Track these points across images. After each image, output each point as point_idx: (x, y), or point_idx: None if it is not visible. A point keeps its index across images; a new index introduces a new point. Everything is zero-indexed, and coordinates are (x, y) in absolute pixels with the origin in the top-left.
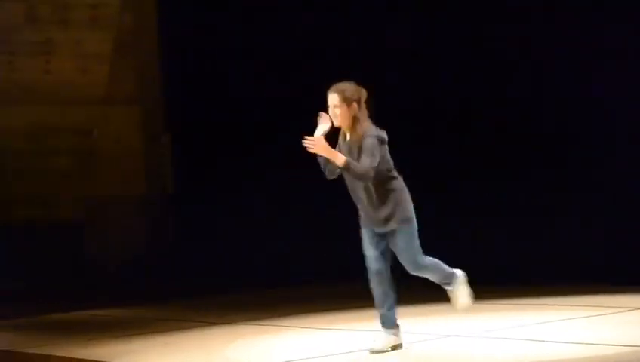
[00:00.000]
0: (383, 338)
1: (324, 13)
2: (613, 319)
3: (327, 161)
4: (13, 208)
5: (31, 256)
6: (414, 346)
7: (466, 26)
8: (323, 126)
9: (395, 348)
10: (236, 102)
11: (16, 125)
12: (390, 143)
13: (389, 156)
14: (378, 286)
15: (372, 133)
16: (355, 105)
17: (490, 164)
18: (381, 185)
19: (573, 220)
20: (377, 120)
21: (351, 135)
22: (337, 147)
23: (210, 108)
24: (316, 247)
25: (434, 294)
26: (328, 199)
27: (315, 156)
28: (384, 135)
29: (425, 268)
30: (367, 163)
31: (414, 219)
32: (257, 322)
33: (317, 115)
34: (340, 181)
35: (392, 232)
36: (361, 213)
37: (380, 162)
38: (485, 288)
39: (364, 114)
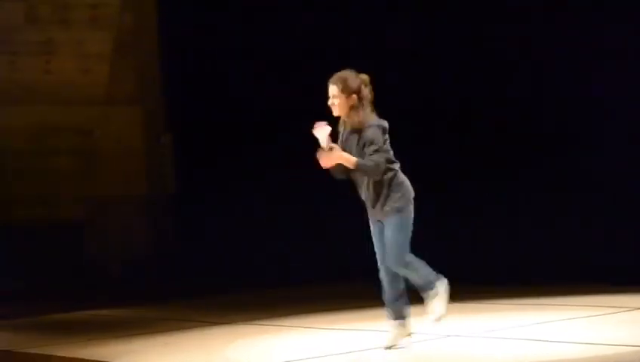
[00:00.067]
0: (390, 332)
1: (324, 13)
2: (613, 319)
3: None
4: (14, 208)
5: (31, 256)
6: (414, 346)
7: (466, 26)
8: (323, 132)
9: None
10: (236, 102)
11: (17, 125)
12: (390, 143)
13: (388, 146)
14: (384, 276)
15: (373, 122)
16: (354, 96)
17: (490, 164)
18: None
19: (573, 220)
20: None
21: (351, 124)
22: (339, 137)
23: (210, 108)
24: (316, 247)
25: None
26: (328, 199)
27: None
28: (385, 124)
29: (408, 265)
30: (375, 157)
31: (408, 213)
32: (257, 322)
33: (312, 127)
34: (339, 181)
35: (385, 221)
36: (365, 204)
37: None
38: (485, 288)
39: (365, 102)
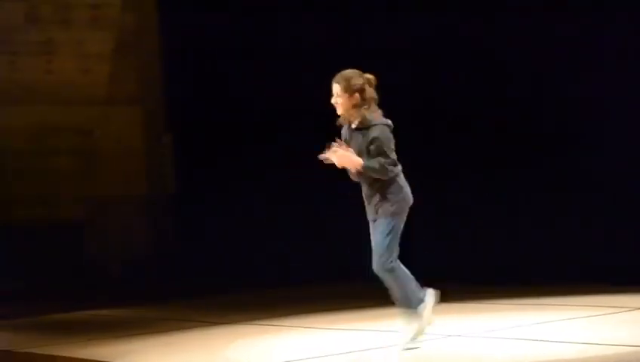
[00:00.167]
0: (403, 331)
1: (324, 13)
2: (613, 319)
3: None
4: (14, 208)
5: (31, 256)
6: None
7: (466, 26)
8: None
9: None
10: (236, 102)
11: (17, 125)
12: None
13: (393, 146)
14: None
15: (380, 121)
16: (357, 95)
17: (490, 164)
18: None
19: (573, 220)
20: None
21: (354, 124)
22: (342, 136)
23: (211, 108)
24: (316, 247)
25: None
26: (328, 199)
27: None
28: (391, 123)
29: (390, 272)
30: (381, 158)
31: (399, 220)
32: (258, 322)
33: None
34: (340, 181)
35: (375, 222)
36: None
37: None
38: (485, 288)
39: (369, 101)
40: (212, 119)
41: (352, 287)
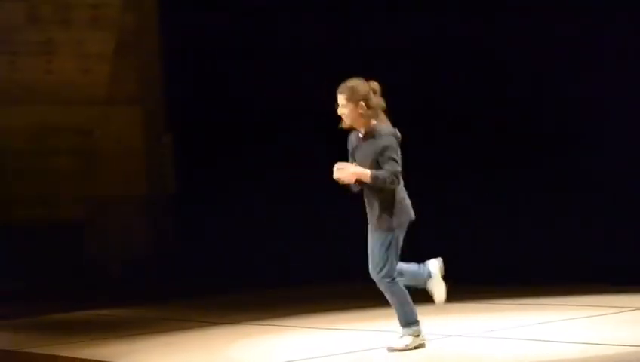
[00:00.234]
0: (400, 337)
1: (324, 13)
2: (614, 319)
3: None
4: (14, 208)
5: (31, 256)
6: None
7: (466, 26)
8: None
9: (417, 347)
10: (237, 102)
11: (18, 125)
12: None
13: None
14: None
15: (388, 130)
16: (362, 103)
17: (490, 164)
18: (379, 188)
19: (573, 220)
20: None
21: (363, 133)
22: (349, 145)
23: (211, 108)
24: (316, 247)
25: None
26: (328, 199)
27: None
28: (398, 133)
29: (388, 284)
30: (390, 166)
31: (398, 232)
32: (259, 322)
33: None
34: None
35: (376, 235)
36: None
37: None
38: (485, 288)
39: (376, 110)
40: (212, 119)
41: (352, 287)
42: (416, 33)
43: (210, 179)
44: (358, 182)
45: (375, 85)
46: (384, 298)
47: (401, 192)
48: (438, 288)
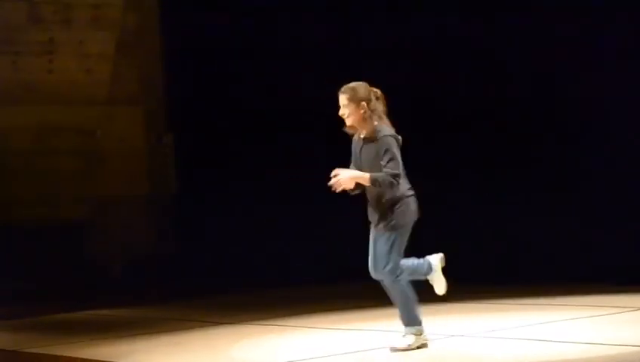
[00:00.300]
0: (403, 336)
1: (324, 13)
2: (616, 319)
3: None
4: (17, 208)
5: (33, 256)
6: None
7: (466, 26)
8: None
9: (419, 347)
10: (237, 102)
11: (20, 125)
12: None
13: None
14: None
15: (387, 133)
16: (364, 104)
17: (490, 164)
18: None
19: (573, 220)
20: None
21: (364, 135)
22: (352, 147)
23: (212, 109)
24: (316, 247)
25: (437, 294)
26: (328, 199)
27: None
28: (399, 138)
29: (394, 280)
30: (388, 170)
31: (402, 231)
32: (261, 322)
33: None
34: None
35: (379, 234)
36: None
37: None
38: (486, 288)
39: (377, 113)
40: (214, 119)
41: (352, 287)
42: (416, 33)
43: (211, 179)
44: (358, 185)
45: (378, 91)
46: (385, 298)
47: (406, 192)
48: (438, 282)
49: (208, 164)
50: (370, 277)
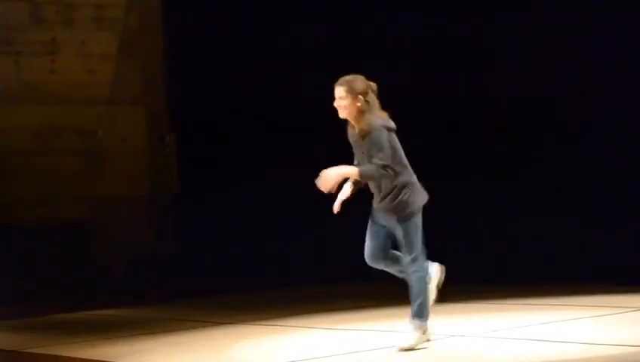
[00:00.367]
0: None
1: (324, 14)
2: (617, 319)
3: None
4: (18, 208)
5: (33, 256)
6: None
7: (466, 26)
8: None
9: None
10: (238, 102)
11: (21, 125)
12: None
13: (397, 147)
14: (380, 266)
15: (378, 124)
16: (361, 97)
17: (490, 164)
18: (388, 177)
19: (573, 220)
20: None
21: (358, 127)
22: (352, 141)
23: (215, 109)
24: (316, 247)
25: (439, 294)
26: (328, 199)
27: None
28: (391, 124)
29: (416, 266)
30: (377, 161)
31: (417, 215)
32: (262, 322)
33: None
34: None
35: (393, 225)
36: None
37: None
38: (486, 288)
39: (373, 106)
40: (216, 119)
41: (352, 287)
42: (416, 33)
43: (211, 179)
44: (357, 183)
45: (374, 85)
46: (384, 298)
47: (410, 177)
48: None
49: (208, 164)
50: (371, 277)
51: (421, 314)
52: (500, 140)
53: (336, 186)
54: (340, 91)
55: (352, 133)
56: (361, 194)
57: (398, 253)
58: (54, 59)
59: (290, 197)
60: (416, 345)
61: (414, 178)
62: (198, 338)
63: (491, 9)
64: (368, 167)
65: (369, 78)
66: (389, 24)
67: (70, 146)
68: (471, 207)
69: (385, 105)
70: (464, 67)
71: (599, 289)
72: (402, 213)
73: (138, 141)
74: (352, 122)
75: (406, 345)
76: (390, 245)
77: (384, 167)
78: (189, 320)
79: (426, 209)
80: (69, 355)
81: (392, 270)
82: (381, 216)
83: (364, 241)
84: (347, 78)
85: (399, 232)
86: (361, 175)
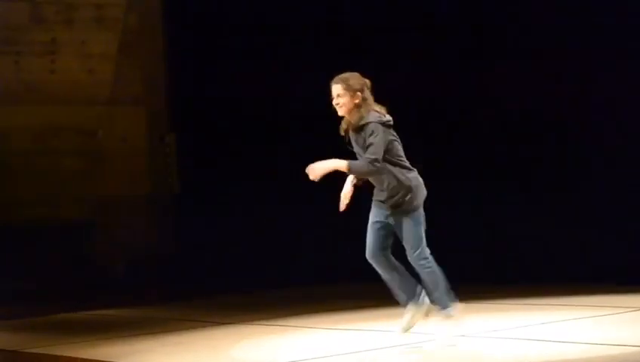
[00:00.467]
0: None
1: (325, 14)
2: (618, 319)
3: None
4: (19, 208)
5: (35, 256)
6: (420, 346)
7: (466, 26)
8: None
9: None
10: (240, 102)
11: (22, 125)
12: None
13: (395, 141)
14: (377, 266)
15: (374, 119)
16: (358, 94)
17: (491, 164)
18: (387, 172)
19: (573, 220)
20: None
21: (355, 123)
22: (351, 139)
23: (214, 109)
24: (316, 247)
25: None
26: (328, 199)
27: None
28: (386, 119)
29: (424, 261)
30: (368, 155)
31: (419, 210)
32: (262, 322)
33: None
34: (340, 181)
35: (395, 218)
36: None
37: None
38: (487, 288)
39: (369, 103)
40: (216, 119)
41: (352, 287)
42: (416, 33)
43: (211, 179)
44: (360, 180)
45: (368, 82)
46: (385, 298)
47: (410, 173)
48: (411, 319)
49: (209, 164)
50: (371, 277)
51: (445, 304)
52: (500, 140)
53: (322, 176)
54: (337, 89)
55: (350, 130)
56: (361, 194)
57: (397, 263)
58: (54, 59)
59: (290, 197)
60: (453, 332)
61: (414, 173)
62: (198, 338)
63: (491, 8)
64: (358, 162)
65: (368, 77)
66: (389, 24)
67: (70, 146)
68: (471, 207)
69: (385, 105)
70: (464, 67)
71: (599, 289)
72: (402, 208)
73: (138, 141)
74: (349, 118)
75: (444, 337)
76: (390, 245)
77: (374, 161)
78: (189, 320)
79: (426, 209)
80: (69, 355)
81: (386, 277)
82: (381, 211)
83: (364, 241)
84: (343, 75)
85: (400, 227)
86: (350, 169)
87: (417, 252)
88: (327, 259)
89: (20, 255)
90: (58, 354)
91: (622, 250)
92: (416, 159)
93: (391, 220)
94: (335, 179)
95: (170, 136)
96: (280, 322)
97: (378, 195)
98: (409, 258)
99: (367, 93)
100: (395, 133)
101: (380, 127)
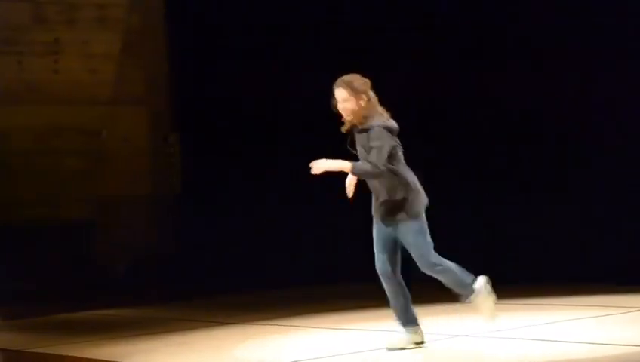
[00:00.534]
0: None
1: (325, 14)
2: (621, 319)
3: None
4: (19, 208)
5: (36, 256)
6: (422, 346)
7: (466, 26)
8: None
9: (417, 344)
10: (241, 103)
11: (24, 125)
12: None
13: (398, 148)
14: (386, 285)
15: (379, 123)
16: (363, 96)
17: (490, 164)
18: (388, 178)
19: (573, 220)
20: None
21: (361, 127)
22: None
23: (215, 109)
24: (316, 247)
25: (441, 294)
26: (328, 199)
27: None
28: (392, 124)
29: (437, 267)
30: (373, 158)
31: (422, 216)
32: (265, 322)
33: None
34: (340, 181)
35: (397, 227)
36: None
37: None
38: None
39: (373, 103)
40: (219, 119)
41: (352, 287)
42: (416, 33)
43: (211, 179)
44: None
45: (369, 82)
46: (385, 298)
47: (412, 178)
48: (400, 342)
49: (209, 164)
50: (370, 277)
51: (471, 291)
52: (500, 140)
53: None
54: (342, 93)
55: (355, 134)
56: (362, 194)
57: (406, 290)
58: (57, 59)
59: (290, 197)
60: (487, 310)
61: (414, 179)
62: (201, 338)
63: (492, 7)
64: (362, 164)
65: (368, 77)
66: (389, 23)
67: (72, 146)
68: (471, 207)
69: (385, 106)
70: (464, 67)
71: (600, 290)
72: (402, 215)
73: (140, 141)
74: (355, 121)
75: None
76: (400, 261)
77: (377, 166)
78: (192, 320)
79: (426, 209)
80: (73, 355)
81: (391, 297)
82: (384, 225)
83: (364, 241)
84: (345, 79)
85: (405, 240)
86: (354, 170)
87: (425, 262)
88: (327, 259)
89: (20, 255)
90: (63, 354)
91: (622, 250)
92: (416, 159)
93: (394, 234)
94: (335, 179)
95: (174, 136)
96: (282, 322)
97: (377, 211)
98: (420, 268)
99: (371, 93)
100: (397, 140)
101: (385, 132)
